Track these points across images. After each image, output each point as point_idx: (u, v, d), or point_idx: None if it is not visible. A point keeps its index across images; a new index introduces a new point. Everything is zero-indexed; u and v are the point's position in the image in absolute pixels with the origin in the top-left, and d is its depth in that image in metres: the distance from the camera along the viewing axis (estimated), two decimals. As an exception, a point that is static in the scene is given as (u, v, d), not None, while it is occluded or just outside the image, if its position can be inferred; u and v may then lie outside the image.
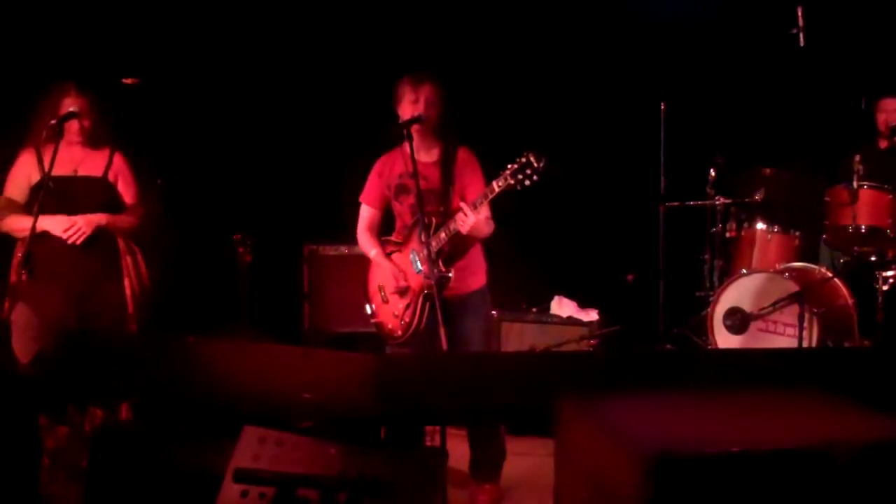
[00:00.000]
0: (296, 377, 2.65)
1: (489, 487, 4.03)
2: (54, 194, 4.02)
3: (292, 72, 6.10)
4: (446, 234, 3.84)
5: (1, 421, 2.84)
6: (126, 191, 4.31)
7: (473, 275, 4.05)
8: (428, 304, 3.91)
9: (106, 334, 3.79)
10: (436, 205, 3.97)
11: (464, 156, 4.05)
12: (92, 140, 4.22)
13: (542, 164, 3.60)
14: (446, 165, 4.02)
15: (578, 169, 6.07)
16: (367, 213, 4.21)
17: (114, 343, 3.31)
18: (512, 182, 3.64)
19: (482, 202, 3.77)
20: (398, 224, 4.17)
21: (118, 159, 4.28)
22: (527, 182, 3.62)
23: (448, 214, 3.89)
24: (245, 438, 2.26)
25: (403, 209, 4.09)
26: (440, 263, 3.84)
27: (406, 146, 3.91)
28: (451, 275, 3.86)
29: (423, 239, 3.86)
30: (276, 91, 6.06)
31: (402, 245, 4.11)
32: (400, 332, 4.03)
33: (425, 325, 3.94)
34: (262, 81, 6.01)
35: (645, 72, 5.85)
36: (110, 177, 4.25)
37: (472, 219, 3.75)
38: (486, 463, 4.04)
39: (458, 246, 3.96)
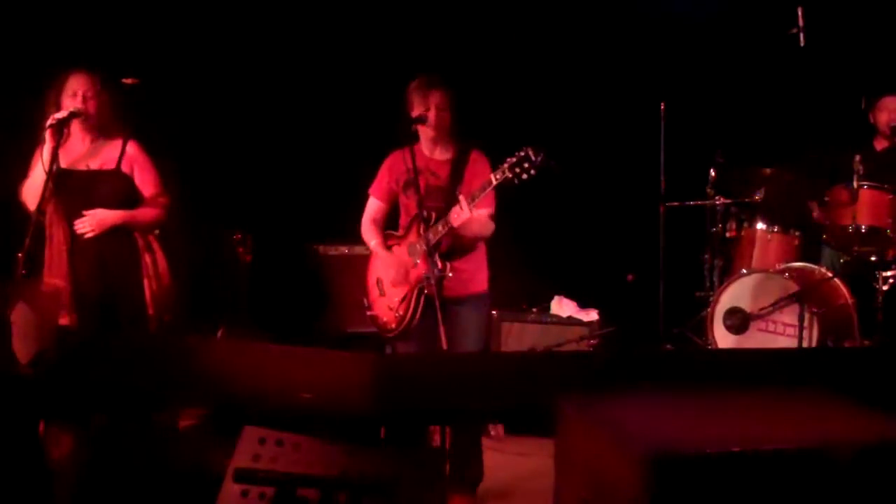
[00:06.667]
0: (296, 377, 2.65)
1: (467, 499, 3.95)
2: (68, 191, 3.90)
3: (298, 72, 6.09)
4: (443, 228, 3.83)
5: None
6: (144, 181, 4.06)
7: (473, 278, 4.03)
8: (423, 299, 3.91)
9: (105, 336, 3.76)
10: (440, 201, 3.97)
11: (475, 156, 4.08)
12: (102, 129, 4.03)
13: (539, 159, 3.61)
14: (458, 164, 4.04)
15: (579, 169, 6.07)
16: (373, 206, 4.23)
17: (113, 344, 3.30)
18: (510, 175, 3.64)
19: (480, 194, 3.76)
20: (402, 219, 4.19)
21: (132, 148, 4.05)
22: (524, 175, 3.63)
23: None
24: (245, 438, 2.25)
25: (409, 203, 4.10)
26: (437, 259, 3.80)
27: (419, 143, 4.03)
28: (449, 273, 3.86)
29: (421, 232, 3.88)
30: (280, 90, 6.04)
31: (402, 238, 4.13)
32: (394, 325, 4.03)
33: (419, 320, 3.94)
34: (267, 81, 6.00)
35: (645, 72, 5.85)
36: (124, 168, 4.02)
37: (467, 213, 3.74)
38: (464, 478, 3.95)
39: (458, 245, 3.96)
